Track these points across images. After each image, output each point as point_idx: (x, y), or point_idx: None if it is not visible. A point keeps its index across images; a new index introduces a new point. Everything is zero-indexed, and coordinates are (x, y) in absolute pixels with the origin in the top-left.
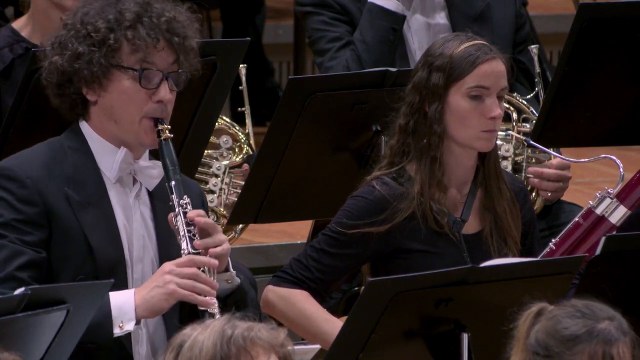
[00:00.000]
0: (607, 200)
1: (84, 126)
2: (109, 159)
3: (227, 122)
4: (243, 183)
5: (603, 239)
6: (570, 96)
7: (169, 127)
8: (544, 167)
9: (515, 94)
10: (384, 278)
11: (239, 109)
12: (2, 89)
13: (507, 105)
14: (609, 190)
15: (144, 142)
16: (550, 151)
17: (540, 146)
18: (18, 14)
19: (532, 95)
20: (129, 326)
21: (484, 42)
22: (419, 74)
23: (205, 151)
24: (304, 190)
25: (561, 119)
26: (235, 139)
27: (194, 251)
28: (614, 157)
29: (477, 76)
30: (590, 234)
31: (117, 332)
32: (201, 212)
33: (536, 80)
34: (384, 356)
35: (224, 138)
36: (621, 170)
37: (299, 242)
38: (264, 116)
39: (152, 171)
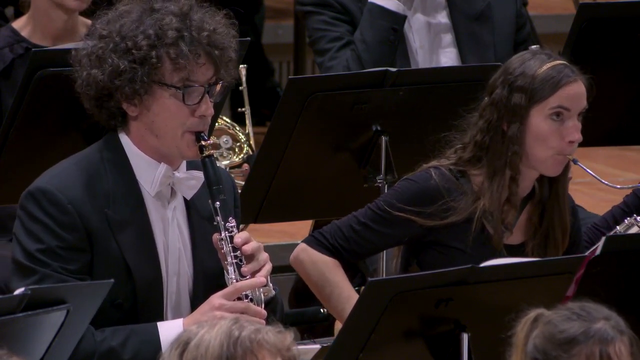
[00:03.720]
0: (635, 229)
1: (124, 139)
2: (149, 173)
3: (227, 122)
4: (243, 183)
5: (603, 238)
6: None
7: (212, 142)
8: None
9: None
10: (384, 278)
11: (239, 109)
12: (3, 89)
13: None
14: (637, 218)
15: (186, 156)
16: (614, 186)
17: (609, 184)
18: (18, 14)
19: None
20: None
21: (566, 63)
22: (497, 91)
23: None
24: (304, 190)
25: None
26: (235, 139)
27: (241, 278)
28: None
29: (560, 97)
30: None
31: None
32: (246, 236)
33: None
34: (384, 356)
35: (224, 138)
36: None
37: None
38: (264, 116)
39: (191, 182)
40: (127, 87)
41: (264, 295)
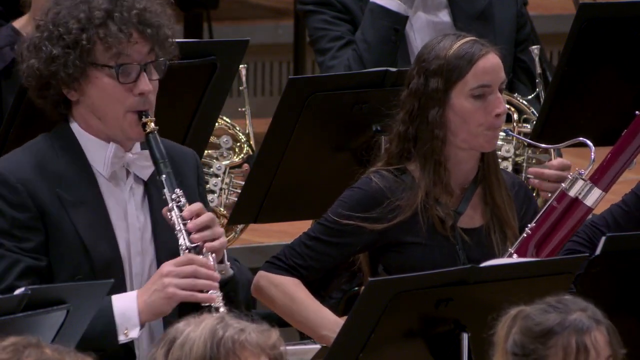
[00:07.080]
0: (580, 182)
1: (73, 125)
2: (100, 155)
3: (227, 122)
4: (243, 183)
5: (603, 238)
6: (570, 96)
7: (154, 119)
8: (545, 168)
9: (516, 95)
10: (384, 278)
11: (240, 109)
12: (3, 88)
13: (507, 106)
14: (580, 172)
15: (130, 137)
16: (545, 145)
17: (536, 143)
18: (18, 14)
19: (532, 96)
20: (134, 333)
21: (475, 38)
22: (414, 80)
23: (205, 151)
24: (304, 190)
25: (561, 119)
26: (235, 139)
27: (191, 245)
28: (587, 141)
29: (477, 74)
30: (566, 217)
31: (122, 339)
32: (196, 209)
33: (537, 81)
34: (384, 356)
35: (224, 138)
36: (592, 153)
37: None
38: None
39: (145, 162)
40: (62, 72)
41: (221, 274)
